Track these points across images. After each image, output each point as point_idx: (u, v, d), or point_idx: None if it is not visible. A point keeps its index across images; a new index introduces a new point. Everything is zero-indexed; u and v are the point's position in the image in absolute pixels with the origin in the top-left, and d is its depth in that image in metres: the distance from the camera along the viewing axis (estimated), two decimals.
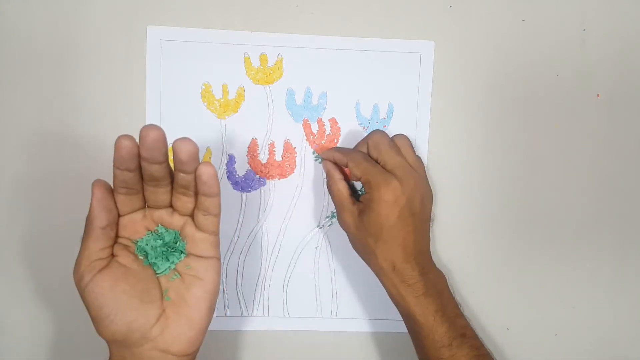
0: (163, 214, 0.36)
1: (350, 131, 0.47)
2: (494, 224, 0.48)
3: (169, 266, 0.36)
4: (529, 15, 0.47)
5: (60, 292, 0.46)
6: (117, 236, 0.36)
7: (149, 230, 0.36)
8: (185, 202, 0.35)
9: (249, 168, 0.47)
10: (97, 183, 0.34)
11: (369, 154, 0.43)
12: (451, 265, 0.48)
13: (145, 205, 0.36)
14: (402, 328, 0.43)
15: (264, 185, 0.47)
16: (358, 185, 0.46)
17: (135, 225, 0.36)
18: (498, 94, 0.47)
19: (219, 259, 0.37)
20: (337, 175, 0.44)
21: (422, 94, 0.47)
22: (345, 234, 0.44)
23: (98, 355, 0.46)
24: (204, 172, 0.33)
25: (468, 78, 0.47)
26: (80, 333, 0.46)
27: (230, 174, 0.46)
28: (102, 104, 0.45)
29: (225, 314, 0.48)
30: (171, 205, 0.36)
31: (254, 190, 0.47)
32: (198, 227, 0.36)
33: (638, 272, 0.49)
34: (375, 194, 0.40)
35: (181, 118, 0.46)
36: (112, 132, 0.45)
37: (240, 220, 0.47)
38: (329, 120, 0.47)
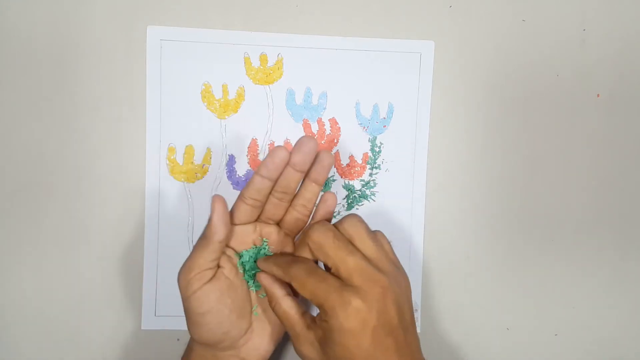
0: (272, 231, 0.39)
1: (350, 131, 0.47)
2: (494, 224, 0.48)
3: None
4: (529, 15, 0.47)
5: (59, 294, 0.46)
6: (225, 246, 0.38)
7: (254, 245, 0.39)
8: (298, 219, 0.39)
9: (249, 168, 0.47)
10: (218, 198, 0.35)
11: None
12: (451, 265, 0.48)
13: (257, 219, 0.39)
14: None
15: None
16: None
17: (245, 236, 0.38)
18: (498, 94, 0.48)
19: None
20: (279, 292, 0.35)
21: (422, 94, 0.47)
22: None
23: (97, 356, 0.46)
24: (329, 200, 0.39)
25: (468, 78, 0.47)
26: (80, 334, 0.46)
27: (230, 174, 0.46)
28: (102, 104, 0.45)
29: None
30: (279, 224, 0.39)
31: None
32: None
33: (638, 272, 0.49)
34: (333, 323, 0.31)
35: (181, 118, 0.46)
36: (112, 132, 0.45)
37: None
38: (329, 120, 0.47)
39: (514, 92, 0.48)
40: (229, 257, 0.38)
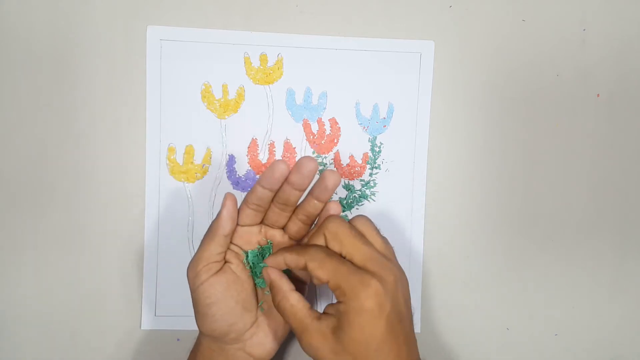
0: (276, 234, 0.40)
1: (350, 131, 0.47)
2: (494, 224, 0.48)
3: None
4: (529, 15, 0.47)
5: (58, 294, 0.46)
6: (231, 243, 0.39)
7: (259, 245, 0.40)
8: (301, 228, 0.39)
9: (249, 168, 0.47)
10: (230, 196, 0.38)
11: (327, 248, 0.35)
12: (451, 265, 0.48)
13: (262, 221, 0.40)
14: None
15: None
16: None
17: (250, 237, 0.40)
18: (498, 94, 0.47)
19: (307, 284, 0.41)
20: (286, 287, 0.35)
21: (422, 94, 0.47)
22: None
23: (96, 356, 0.46)
24: (332, 209, 0.38)
25: (468, 78, 0.47)
26: (79, 334, 0.46)
27: (230, 173, 0.46)
28: (102, 104, 0.45)
29: None
30: (283, 228, 0.40)
31: None
32: None
33: (638, 272, 0.49)
34: (352, 304, 0.31)
35: (181, 118, 0.46)
36: (112, 132, 0.45)
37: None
38: (329, 120, 0.47)
39: (514, 92, 0.48)
40: (236, 253, 0.39)
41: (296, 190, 0.37)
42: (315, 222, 0.40)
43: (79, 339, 0.46)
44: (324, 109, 0.47)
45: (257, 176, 0.47)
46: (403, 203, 0.47)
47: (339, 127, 0.47)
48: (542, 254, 0.49)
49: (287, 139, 0.47)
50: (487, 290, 0.49)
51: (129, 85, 0.45)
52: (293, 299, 0.35)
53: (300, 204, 0.39)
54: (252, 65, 0.46)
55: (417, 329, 0.48)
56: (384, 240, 0.36)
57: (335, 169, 0.47)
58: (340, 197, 0.47)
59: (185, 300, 0.46)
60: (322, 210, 0.38)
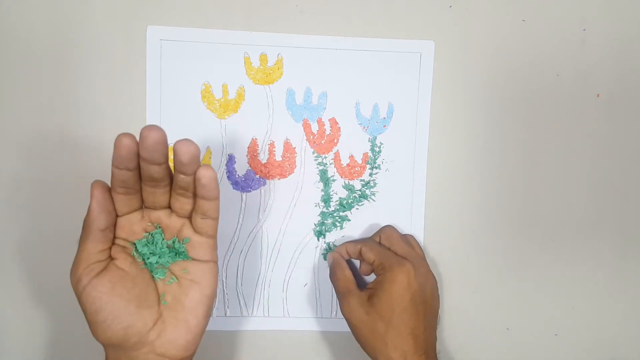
0: (161, 215, 0.35)
1: (350, 131, 0.47)
2: (494, 223, 0.48)
3: (166, 269, 0.36)
4: (529, 15, 0.47)
5: (57, 294, 0.46)
6: (114, 237, 0.35)
7: (146, 232, 0.35)
8: (183, 203, 0.34)
9: (249, 168, 0.47)
10: (97, 184, 0.33)
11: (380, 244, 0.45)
12: (451, 265, 0.48)
13: (143, 205, 0.35)
14: None
15: (264, 185, 0.47)
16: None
17: (132, 226, 0.35)
18: (498, 94, 0.47)
19: (216, 262, 0.36)
20: (344, 264, 0.44)
21: (422, 94, 0.47)
22: (344, 232, 0.44)
23: (95, 357, 0.46)
24: (204, 175, 0.32)
25: (468, 78, 0.47)
26: (77, 335, 0.46)
27: (230, 174, 0.46)
28: (102, 104, 0.45)
29: (225, 314, 0.48)
30: (169, 207, 0.35)
31: (254, 190, 0.47)
32: (196, 230, 0.35)
33: (638, 272, 0.49)
34: (388, 275, 0.41)
35: (181, 118, 0.46)
36: (112, 132, 0.45)
37: (240, 220, 0.47)
38: (329, 120, 0.47)
39: (514, 92, 0.48)
40: (122, 247, 0.35)
41: (153, 164, 0.32)
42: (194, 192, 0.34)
43: (79, 339, 0.46)
44: (324, 109, 0.47)
45: (257, 176, 0.47)
46: (403, 203, 0.47)
47: (339, 127, 0.47)
48: (542, 254, 0.49)
49: (287, 139, 0.47)
50: (487, 290, 0.49)
51: (129, 85, 0.45)
52: (348, 273, 0.44)
53: (173, 178, 0.34)
54: (252, 65, 0.46)
55: None
56: (419, 246, 0.46)
57: (335, 169, 0.47)
58: (340, 197, 0.47)
59: None
60: (195, 180, 0.33)
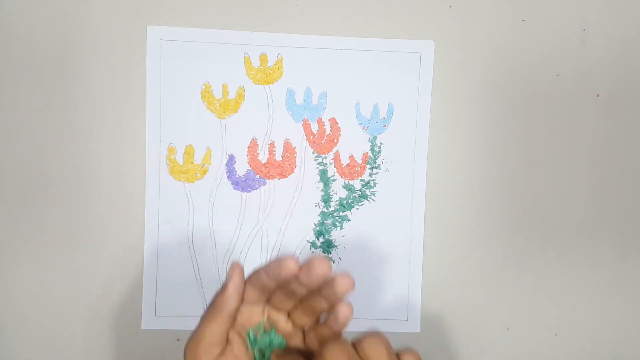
0: (279, 318, 0.36)
1: (350, 131, 0.47)
2: (494, 223, 0.48)
3: None
4: (529, 15, 0.47)
5: (58, 294, 0.46)
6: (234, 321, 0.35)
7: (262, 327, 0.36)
8: (305, 320, 0.35)
9: (249, 168, 0.47)
10: (236, 267, 0.33)
11: None
12: (451, 265, 0.48)
13: (266, 301, 0.36)
14: (402, 328, 0.43)
15: (264, 185, 0.47)
16: None
17: (251, 317, 0.35)
18: (498, 94, 0.47)
19: None
20: None
21: (422, 94, 0.47)
22: (344, 232, 0.43)
23: (100, 352, 0.46)
24: (343, 314, 0.32)
25: (468, 78, 0.47)
26: (80, 332, 0.46)
27: (230, 173, 0.46)
28: (102, 104, 0.45)
29: None
30: (289, 314, 0.35)
31: (254, 190, 0.47)
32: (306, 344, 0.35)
33: (638, 272, 0.49)
34: None
35: (181, 118, 0.46)
36: (112, 132, 0.45)
37: (240, 220, 0.47)
38: (329, 120, 0.47)
39: (514, 92, 0.48)
40: (238, 331, 0.35)
41: (304, 287, 0.32)
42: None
43: (79, 339, 0.46)
44: (324, 109, 0.47)
45: (257, 176, 0.47)
46: (403, 203, 0.47)
47: (339, 127, 0.47)
48: (542, 254, 0.49)
49: (287, 139, 0.47)
50: (487, 290, 0.49)
51: (129, 85, 0.45)
52: None
53: (307, 297, 0.34)
54: (252, 65, 0.46)
55: (417, 329, 0.48)
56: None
57: (335, 169, 0.47)
58: (340, 197, 0.47)
59: (185, 300, 0.46)
60: (336, 312, 0.32)
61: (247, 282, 0.34)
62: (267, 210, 0.47)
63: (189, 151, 0.46)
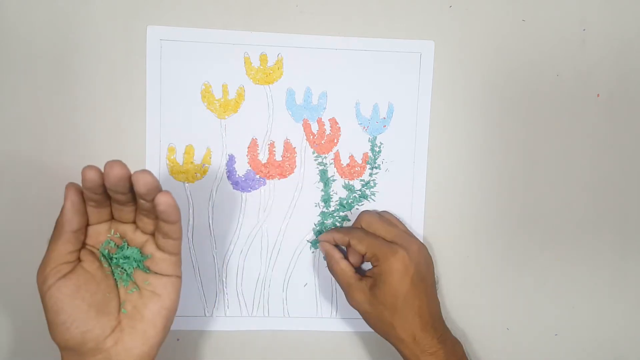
0: (127, 229, 0.36)
1: (350, 131, 0.47)
2: (494, 223, 0.48)
3: (129, 278, 0.37)
4: (529, 15, 0.47)
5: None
6: (84, 242, 0.36)
7: (112, 242, 0.37)
8: (146, 223, 0.35)
9: (249, 168, 0.47)
10: (71, 186, 0.34)
11: None
12: (451, 264, 0.48)
13: (111, 218, 0.36)
14: None
15: (264, 185, 0.47)
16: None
17: (100, 236, 0.36)
18: (498, 94, 0.47)
19: (179, 277, 0.37)
20: (338, 255, 0.44)
21: (422, 94, 0.47)
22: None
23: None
24: (162, 202, 0.32)
25: (468, 78, 0.47)
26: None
27: (230, 173, 0.46)
28: (102, 104, 0.45)
29: (225, 314, 0.48)
30: (135, 222, 0.36)
31: (254, 190, 0.47)
32: (158, 247, 0.36)
33: (638, 272, 0.49)
34: (384, 266, 0.41)
35: (181, 118, 0.46)
36: (112, 132, 0.45)
37: (240, 220, 0.47)
38: (329, 120, 0.47)
39: (514, 92, 0.48)
40: (89, 251, 0.36)
41: (117, 194, 0.33)
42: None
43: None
44: (324, 108, 0.47)
45: (257, 176, 0.47)
46: (403, 203, 0.47)
47: (339, 127, 0.47)
48: (542, 253, 0.49)
49: (287, 139, 0.47)
50: (487, 290, 0.49)
51: (129, 85, 0.45)
52: (343, 264, 0.43)
53: (138, 203, 0.35)
54: (252, 65, 0.46)
55: None
56: (400, 223, 0.46)
57: (335, 169, 0.47)
58: (340, 197, 0.47)
59: (185, 300, 0.46)
60: (155, 204, 0.33)
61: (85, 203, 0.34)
62: (267, 210, 0.47)
63: (189, 151, 0.46)
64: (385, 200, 0.47)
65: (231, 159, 0.46)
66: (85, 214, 0.34)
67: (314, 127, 0.47)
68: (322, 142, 0.47)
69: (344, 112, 0.47)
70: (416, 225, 0.48)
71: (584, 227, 0.49)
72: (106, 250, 0.36)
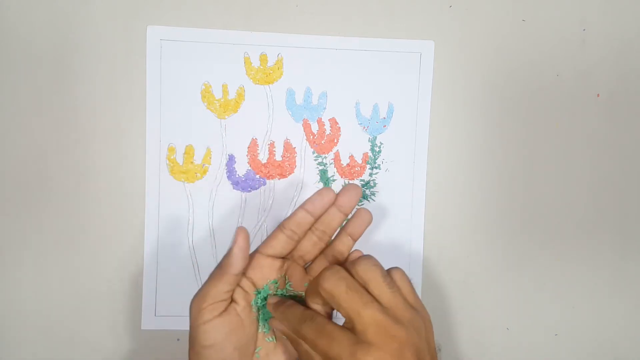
0: (297, 273, 0.39)
1: (350, 131, 0.47)
2: (494, 223, 0.48)
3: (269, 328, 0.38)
4: (529, 15, 0.47)
5: (58, 294, 0.46)
6: (244, 276, 0.38)
7: (273, 280, 0.38)
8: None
9: (249, 168, 0.47)
10: (242, 231, 0.35)
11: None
12: (451, 265, 0.48)
13: (286, 257, 0.39)
14: None
15: (264, 185, 0.47)
16: None
17: (271, 271, 0.38)
18: (498, 94, 0.48)
19: None
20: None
21: (422, 94, 0.47)
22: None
23: (100, 352, 0.46)
24: (361, 216, 0.40)
25: (468, 78, 0.47)
26: (81, 332, 0.46)
27: (230, 174, 0.46)
28: (102, 104, 0.45)
29: None
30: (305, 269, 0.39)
31: (254, 190, 0.47)
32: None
33: (638, 272, 0.49)
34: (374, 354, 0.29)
35: (181, 118, 0.46)
36: (112, 132, 0.45)
37: (240, 220, 0.47)
38: (329, 120, 0.47)
39: (514, 92, 0.48)
40: (245, 292, 0.37)
41: (342, 213, 0.38)
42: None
43: (79, 339, 0.46)
44: (324, 109, 0.47)
45: (257, 176, 0.47)
46: (403, 203, 0.47)
47: (339, 127, 0.47)
48: (542, 253, 0.49)
49: (287, 139, 0.47)
50: (487, 290, 0.49)
51: (129, 85, 0.45)
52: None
53: (331, 243, 0.40)
54: (252, 65, 0.46)
55: None
56: (392, 287, 0.32)
57: (335, 169, 0.47)
58: None
59: (185, 300, 0.46)
60: (353, 213, 0.39)
61: (277, 230, 0.38)
62: (267, 210, 0.47)
63: (189, 151, 0.46)
64: (385, 200, 0.47)
65: (231, 159, 0.46)
66: (247, 258, 0.36)
67: (314, 127, 0.47)
68: (322, 142, 0.47)
69: (344, 112, 0.47)
70: (416, 225, 0.48)
71: (584, 227, 0.49)
72: (261, 299, 0.38)
